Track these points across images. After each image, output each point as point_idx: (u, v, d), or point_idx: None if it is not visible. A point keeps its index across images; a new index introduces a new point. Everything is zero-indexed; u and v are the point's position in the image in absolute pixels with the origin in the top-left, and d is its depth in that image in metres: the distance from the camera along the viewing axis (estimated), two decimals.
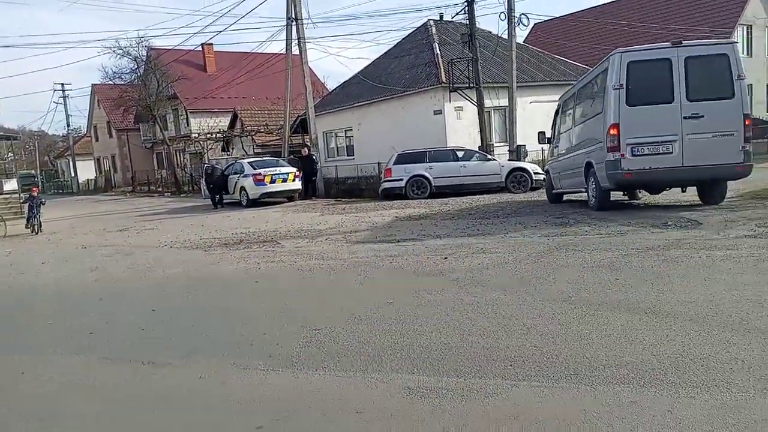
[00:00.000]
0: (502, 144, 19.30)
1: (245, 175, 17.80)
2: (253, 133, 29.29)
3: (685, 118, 8.35)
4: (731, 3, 27.09)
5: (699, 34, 26.00)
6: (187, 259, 8.61)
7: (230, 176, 18.84)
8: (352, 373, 3.68)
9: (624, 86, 8.47)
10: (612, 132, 8.57)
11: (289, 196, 18.42)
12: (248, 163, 18.60)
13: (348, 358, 3.93)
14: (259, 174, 17.41)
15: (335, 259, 7.54)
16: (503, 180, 15.80)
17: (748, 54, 27.65)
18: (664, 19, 28.05)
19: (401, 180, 16.18)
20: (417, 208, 13.16)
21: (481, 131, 18.15)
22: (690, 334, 3.83)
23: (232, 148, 31.64)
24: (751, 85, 27.46)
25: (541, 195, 14.14)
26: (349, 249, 8.30)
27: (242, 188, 17.90)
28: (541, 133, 12.22)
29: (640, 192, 10.46)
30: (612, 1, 32.97)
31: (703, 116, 8.31)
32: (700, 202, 9.56)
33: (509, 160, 17.39)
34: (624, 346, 3.73)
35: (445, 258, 6.98)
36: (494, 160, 16.62)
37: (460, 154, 16.53)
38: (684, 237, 6.96)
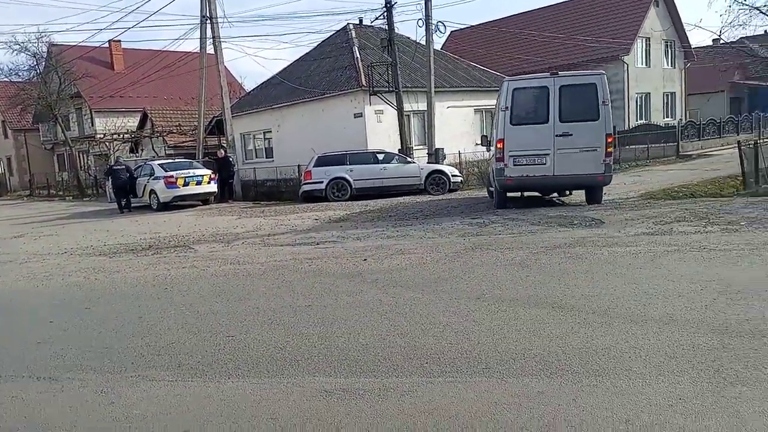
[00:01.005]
0: (421, 147, 19.65)
1: (156, 178, 16.99)
2: (165, 133, 28.04)
3: (557, 135, 9.82)
4: (631, 16, 29.11)
5: (603, 44, 27.80)
6: (90, 266, 8.08)
7: (139, 179, 17.93)
8: (267, 379, 3.58)
9: (509, 108, 9.95)
10: (499, 145, 10.16)
11: (204, 199, 17.78)
12: (159, 164, 17.77)
13: (263, 364, 3.82)
14: (171, 176, 16.67)
15: (252, 264, 7.35)
16: (422, 182, 16.07)
17: (646, 65, 29.82)
18: (572, 29, 29.71)
19: (321, 182, 16.07)
20: (337, 210, 13.11)
21: (400, 134, 18.38)
22: (593, 325, 4.04)
23: (142, 150, 30.16)
24: (649, 93, 29.73)
25: (459, 196, 14.51)
26: (266, 252, 8.11)
27: (152, 191, 17.07)
28: (484, 137, 12.73)
29: (569, 192, 11.48)
30: (524, 12, 34.52)
31: (571, 134, 9.76)
32: (607, 199, 10.55)
33: (428, 162, 17.72)
34: (532, 339, 3.87)
35: (365, 260, 6.98)
36: (414, 162, 16.89)
37: (380, 156, 16.65)
38: (588, 235, 7.36)
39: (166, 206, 16.83)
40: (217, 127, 24.29)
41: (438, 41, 27.69)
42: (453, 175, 16.30)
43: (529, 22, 32.28)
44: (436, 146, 18.68)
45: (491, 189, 11.83)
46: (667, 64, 31.24)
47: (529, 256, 6.40)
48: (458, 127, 21.20)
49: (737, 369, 3.16)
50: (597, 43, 27.95)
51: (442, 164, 17.35)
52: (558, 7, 32.81)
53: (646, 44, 29.64)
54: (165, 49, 29.76)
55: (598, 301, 4.58)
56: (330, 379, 3.50)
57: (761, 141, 13.50)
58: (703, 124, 25.92)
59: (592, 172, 9.76)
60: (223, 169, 18.92)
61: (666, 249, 6.18)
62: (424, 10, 18.41)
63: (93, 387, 3.68)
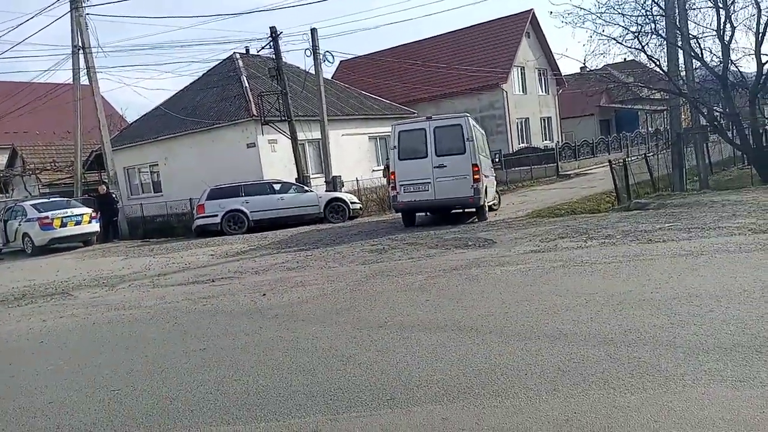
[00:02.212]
0: (318, 175, 19.61)
1: (29, 220, 15.48)
2: (38, 171, 25.78)
3: (435, 167, 11.57)
4: (506, 47, 31.24)
5: (483, 73, 29.53)
6: None
7: (9, 221, 16.26)
8: None
9: (397, 147, 11.81)
10: (392, 177, 12.07)
11: (85, 240, 16.44)
12: (32, 205, 16.23)
13: (153, 418, 3.51)
14: (47, 217, 15.27)
15: (139, 308, 6.83)
16: (322, 210, 15.99)
17: (523, 91, 32.04)
18: (454, 59, 31.32)
19: (216, 215, 15.48)
20: (234, 243, 12.65)
21: (296, 163, 18.24)
22: (491, 345, 4.14)
23: (12, 190, 27.49)
24: (528, 118, 31.88)
25: (359, 223, 14.57)
26: (156, 294, 7.59)
27: (26, 234, 15.53)
28: (386, 168, 13.77)
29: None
30: (409, 43, 35.91)
31: (446, 166, 11.50)
32: (496, 219, 11.68)
33: (326, 191, 17.70)
34: (435, 364, 3.89)
35: (264, 294, 6.75)
36: (311, 191, 16.78)
37: (276, 186, 16.38)
38: (482, 256, 7.64)
39: (42, 250, 15.35)
40: (97, 162, 22.76)
41: (328, 71, 27.97)
42: (352, 202, 16.38)
43: (415, 52, 33.60)
44: (334, 174, 18.74)
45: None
46: (542, 91, 33.80)
47: (428, 280, 6.51)
48: (354, 155, 21.44)
49: (624, 378, 3.35)
50: (477, 73, 29.65)
51: (341, 192, 17.40)
52: (441, 38, 34.48)
53: (521, 73, 31.89)
54: (35, 81, 27.54)
55: (494, 321, 4.72)
56: (228, 427, 3.29)
57: (629, 159, 14.88)
58: (578, 145, 28.23)
59: (464, 195, 11.49)
60: (105, 206, 17.65)
61: (552, 265, 6.55)
62: (310, 40, 18.59)
63: None
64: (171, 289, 7.91)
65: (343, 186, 18.28)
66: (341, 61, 35.95)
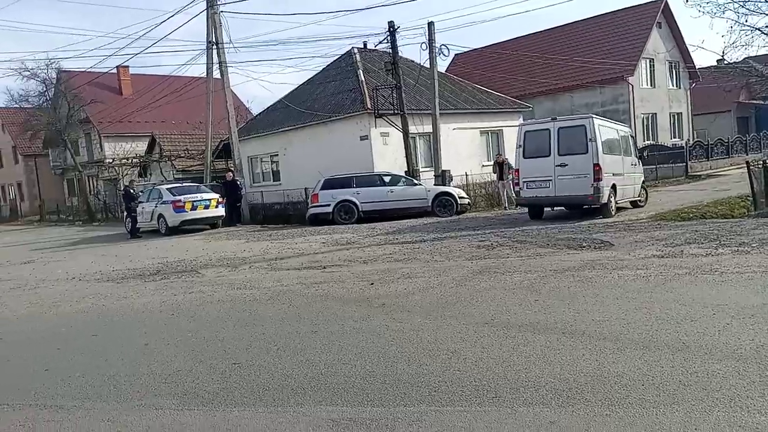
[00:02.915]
0: (427, 169, 19.67)
1: (164, 202, 17.07)
2: (173, 158, 28.26)
3: (557, 166, 12.02)
4: (634, 38, 29.28)
5: (607, 66, 27.94)
6: (97, 292, 8.07)
7: (147, 203, 18.01)
8: (273, 408, 3.53)
9: (522, 146, 12.53)
10: (516, 174, 12.94)
11: (211, 223, 17.83)
12: (167, 189, 17.85)
13: (270, 393, 3.77)
14: (179, 200, 16.74)
15: (258, 288, 7.32)
16: (429, 204, 16.05)
17: (651, 85, 29.89)
18: (575, 51, 29.91)
19: (329, 205, 16.08)
20: (344, 233, 13.09)
21: (407, 156, 18.43)
22: (604, 352, 3.97)
23: (150, 174, 30.38)
24: (656, 113, 29.74)
25: (467, 218, 14.47)
26: (273, 277, 8.09)
27: (160, 215, 17.14)
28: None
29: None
30: (528, 35, 34.80)
31: (567, 165, 11.91)
32: (615, 221, 11.38)
33: (435, 184, 17.71)
34: (543, 366, 3.80)
35: (372, 284, 6.94)
36: (420, 184, 16.89)
37: (387, 179, 16.68)
38: (597, 258, 7.29)
39: (174, 230, 16.88)
40: (224, 151, 24.47)
41: (442, 64, 27.82)
42: (460, 197, 16.28)
43: (532, 44, 32.52)
44: (443, 168, 18.69)
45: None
46: (672, 85, 31.30)
47: (537, 280, 6.34)
48: (464, 149, 21.25)
49: (754, 398, 3.07)
50: (600, 65, 28.10)
51: (449, 186, 17.34)
52: (561, 30, 33.06)
53: (650, 65, 29.75)
54: (172, 74, 30.16)
55: (609, 327, 4.51)
56: (337, 408, 3.44)
57: None
58: (711, 144, 25.87)
59: (584, 194, 11.75)
60: (230, 192, 19.00)
61: (677, 272, 6.10)
62: (427, 33, 18.61)
63: (99, 416, 3.64)
64: (286, 272, 8.38)
65: (452, 180, 18.19)
66: (456, 54, 35.66)
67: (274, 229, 16.61)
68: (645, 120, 29.47)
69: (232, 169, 21.15)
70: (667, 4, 29.73)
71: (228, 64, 19.96)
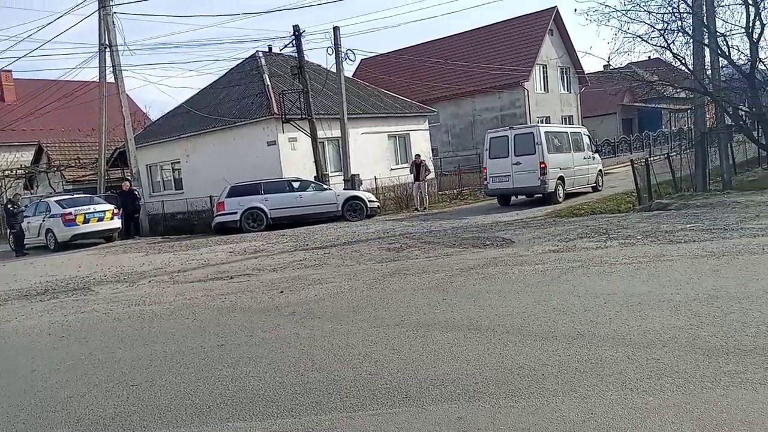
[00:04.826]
0: (337, 174, 19.63)
1: (52, 216, 15.78)
2: (63, 168, 26.25)
3: (513, 164, 15.19)
4: (528, 45, 30.94)
5: (505, 72, 29.31)
6: None
7: (32, 217, 16.59)
8: (175, 429, 3.34)
9: (488, 149, 15.94)
10: (484, 171, 16.37)
11: (107, 236, 16.71)
12: (56, 201, 16.52)
13: (171, 413, 3.56)
14: (70, 213, 15.54)
15: (159, 304, 6.94)
16: (340, 209, 16.04)
17: (545, 90, 31.70)
18: (475, 57, 31.14)
19: (236, 213, 15.62)
20: (253, 241, 12.76)
21: (315, 162, 18.29)
22: (507, 345, 4.12)
23: (38, 186, 28.07)
24: (549, 116, 31.52)
25: (376, 222, 14.59)
26: (175, 291, 7.70)
27: (48, 230, 15.83)
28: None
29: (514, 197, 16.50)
30: (430, 41, 35.76)
31: (521, 163, 15.04)
32: (517, 219, 12.11)
33: (345, 189, 17.73)
34: (451, 363, 3.88)
35: (281, 292, 6.80)
36: (330, 189, 16.83)
37: (296, 184, 16.48)
38: (500, 255, 7.60)
39: (65, 246, 15.66)
40: (120, 159, 23.09)
41: (349, 69, 28.03)
42: (370, 201, 16.41)
43: (436, 50, 33.44)
44: (352, 172, 18.76)
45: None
46: (564, 89, 33.39)
47: (445, 279, 6.49)
48: (373, 153, 21.44)
49: (643, 380, 3.31)
50: (499, 71, 29.44)
51: (359, 190, 17.43)
52: (462, 36, 34.28)
53: (543, 71, 31.55)
54: (61, 79, 28.02)
55: (511, 320, 4.69)
56: (245, 423, 3.32)
57: (651, 159, 14.64)
58: (599, 144, 27.85)
59: (534, 185, 15.02)
60: (127, 203, 17.92)
61: (571, 265, 6.48)
62: (332, 38, 18.63)
63: None
64: (190, 285, 8.01)
65: (361, 184, 18.29)
66: (362, 59, 35.95)
67: (177, 240, 15.88)
68: (540, 122, 31.17)
69: (129, 178, 19.99)
70: (558, 12, 31.68)
71: (123, 68, 18.90)
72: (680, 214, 9.14)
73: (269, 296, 6.65)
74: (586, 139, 17.65)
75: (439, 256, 8.08)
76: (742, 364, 3.36)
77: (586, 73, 34.04)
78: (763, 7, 13.28)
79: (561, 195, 15.35)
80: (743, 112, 14.88)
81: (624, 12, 14.17)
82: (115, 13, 18.50)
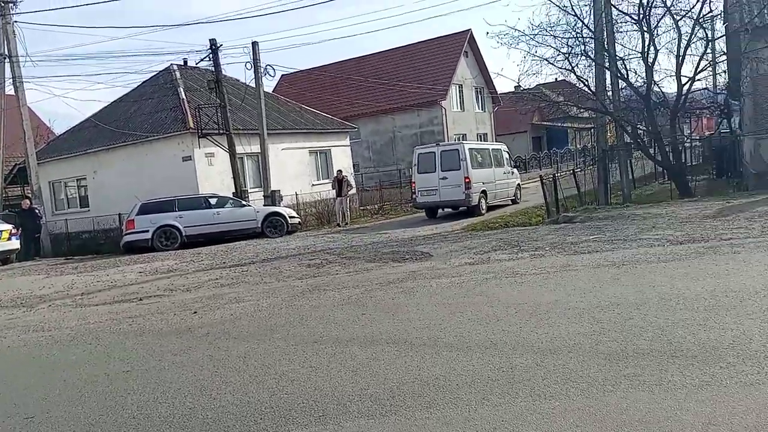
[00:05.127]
0: (257, 190, 19.25)
1: None
2: None
3: (440, 179, 16.15)
4: (445, 65, 31.97)
5: (423, 90, 30.09)
6: None
7: None
8: None
9: (417, 164, 16.74)
10: (413, 185, 16.92)
11: (3, 258, 15.44)
12: None
13: None
14: None
15: (60, 329, 6.45)
16: (259, 225, 15.70)
17: (461, 108, 32.81)
18: (395, 76, 31.78)
19: (147, 231, 14.90)
20: (165, 260, 12.20)
21: (234, 177, 17.85)
22: (424, 357, 4.17)
23: None
24: (465, 134, 32.59)
25: (297, 238, 14.41)
26: (78, 314, 7.20)
27: None
28: None
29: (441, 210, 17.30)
30: (352, 58, 36.11)
31: (447, 178, 15.98)
32: (436, 233, 12.49)
33: (265, 205, 17.41)
34: (368, 378, 3.88)
35: (195, 312, 6.54)
36: (249, 205, 16.45)
37: (212, 201, 15.98)
38: (419, 269, 7.72)
39: None
40: (20, 176, 21.50)
41: (270, 84, 27.76)
42: (291, 217, 16.19)
43: (357, 68, 33.79)
44: (272, 188, 18.47)
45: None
46: (479, 108, 34.75)
47: (364, 294, 6.50)
48: (294, 169, 21.25)
49: (550, 385, 3.45)
50: (418, 90, 30.19)
51: (280, 206, 17.18)
52: (383, 55, 34.89)
53: (459, 90, 32.69)
54: None
55: (428, 333, 4.76)
56: None
57: (559, 175, 15.48)
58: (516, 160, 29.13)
59: (459, 198, 15.95)
60: (27, 222, 16.64)
61: (485, 276, 6.69)
62: (251, 53, 18.37)
63: None
64: (95, 308, 7.53)
65: (282, 200, 18.04)
66: (282, 75, 35.73)
67: (82, 261, 14.90)
68: (457, 140, 32.18)
69: (29, 195, 18.61)
70: (472, 35, 33.01)
71: (25, 79, 17.64)
72: (585, 226, 9.69)
73: (181, 317, 6.37)
74: (506, 155, 18.95)
75: (359, 271, 8.09)
76: (639, 367, 3.58)
77: (498, 93, 35.62)
78: (656, 34, 14.47)
79: (484, 207, 16.34)
80: (641, 131, 16.07)
81: (532, 36, 15.00)
82: (16, 22, 17.33)
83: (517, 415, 3.11)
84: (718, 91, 18.11)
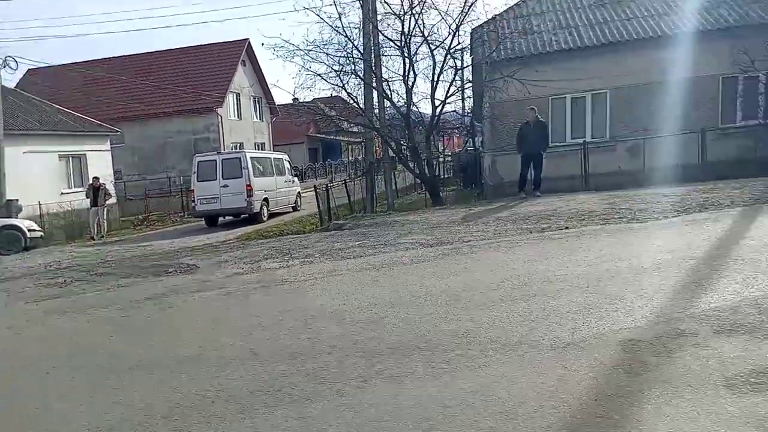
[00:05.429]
0: None
1: None
2: None
3: (221, 186, 16.17)
4: (223, 72, 30.93)
5: (199, 96, 28.71)
6: None
7: None
8: None
9: (196, 172, 16.52)
10: (192, 193, 16.82)
11: None
12: None
13: None
14: None
15: None
16: None
17: (238, 117, 32.05)
18: (168, 79, 29.75)
19: None
20: None
21: None
22: (180, 379, 3.85)
23: None
24: (243, 143, 31.98)
25: (38, 254, 12.40)
26: None
27: None
28: None
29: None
30: (117, 57, 32.77)
31: (229, 186, 16.12)
32: (207, 243, 11.90)
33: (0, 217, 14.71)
34: (111, 412, 3.43)
35: None
36: None
37: None
38: (182, 282, 7.21)
39: None
40: None
41: (11, 78, 23.62)
42: (30, 230, 13.94)
43: (123, 67, 30.76)
44: (9, 197, 15.75)
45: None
46: (257, 118, 34.43)
47: (115, 314, 5.82)
48: (39, 175, 18.40)
49: (308, 389, 3.44)
50: (193, 95, 28.70)
51: (17, 218, 14.69)
52: (153, 56, 32.43)
53: (237, 99, 31.98)
54: None
55: (185, 351, 4.42)
56: None
57: (332, 185, 16.05)
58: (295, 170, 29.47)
59: (241, 206, 16.14)
60: None
61: (254, 286, 6.53)
62: None
63: None
64: None
65: (20, 211, 15.47)
66: (29, 69, 30.85)
67: None
68: (234, 148, 31.40)
69: None
70: (250, 44, 32.55)
71: None
72: (352, 233, 10.13)
73: None
74: (287, 165, 19.74)
75: (112, 288, 7.25)
76: (390, 360, 3.78)
77: (276, 104, 35.78)
78: (416, 60, 15.90)
79: (266, 214, 16.81)
80: (403, 146, 17.54)
81: (306, 52, 15.32)
82: None
83: (276, 424, 3.04)
84: (465, 114, 20.68)
